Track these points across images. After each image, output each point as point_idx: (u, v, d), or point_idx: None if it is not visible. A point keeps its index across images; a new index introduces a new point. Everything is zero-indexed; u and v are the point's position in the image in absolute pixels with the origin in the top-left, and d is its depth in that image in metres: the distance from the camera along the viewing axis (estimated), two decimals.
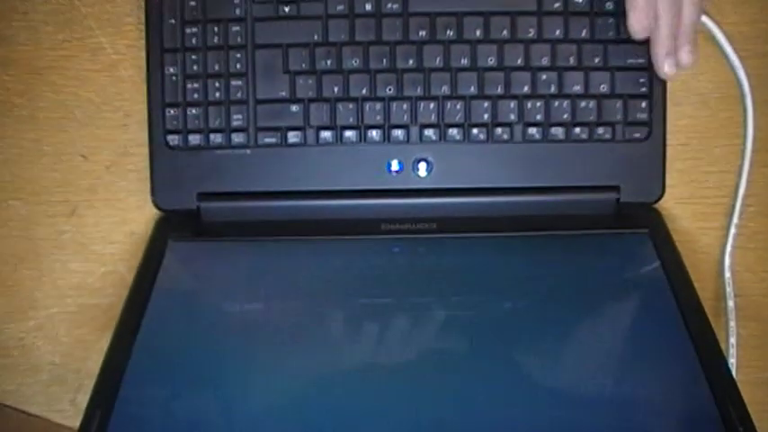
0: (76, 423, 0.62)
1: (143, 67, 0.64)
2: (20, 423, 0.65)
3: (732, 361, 0.63)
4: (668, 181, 0.64)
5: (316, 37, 0.63)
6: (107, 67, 0.66)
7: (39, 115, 0.66)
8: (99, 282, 0.66)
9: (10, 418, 0.65)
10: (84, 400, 0.63)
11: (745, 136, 0.66)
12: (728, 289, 0.65)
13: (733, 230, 0.66)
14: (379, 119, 0.63)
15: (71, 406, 0.65)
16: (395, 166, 0.63)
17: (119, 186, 0.66)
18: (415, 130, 0.63)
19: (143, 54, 0.64)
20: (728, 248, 0.65)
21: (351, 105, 0.63)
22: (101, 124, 0.66)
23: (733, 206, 0.66)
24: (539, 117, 0.63)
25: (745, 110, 0.66)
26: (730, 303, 0.64)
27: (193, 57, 0.63)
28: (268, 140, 0.63)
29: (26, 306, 0.66)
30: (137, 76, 0.66)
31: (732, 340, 0.64)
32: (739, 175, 0.66)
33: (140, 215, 0.66)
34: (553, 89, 0.63)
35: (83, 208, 0.66)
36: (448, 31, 0.62)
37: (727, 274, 0.65)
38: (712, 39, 0.66)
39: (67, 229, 0.66)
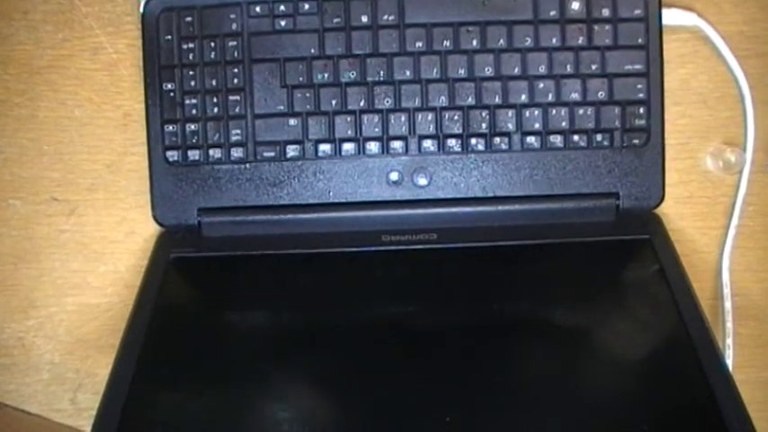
0: (76, 422, 0.64)
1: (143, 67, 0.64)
2: (20, 422, 0.65)
3: (729, 361, 0.64)
4: (668, 180, 0.64)
5: (312, 50, 0.63)
6: (107, 66, 0.67)
7: (39, 114, 0.66)
8: (99, 281, 0.66)
9: (10, 418, 0.65)
10: (83, 399, 0.64)
11: (744, 135, 0.66)
12: (726, 290, 0.65)
13: (732, 231, 0.66)
14: (377, 131, 0.63)
15: (71, 405, 0.66)
16: (394, 177, 0.64)
17: (119, 186, 0.67)
18: (413, 142, 0.63)
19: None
20: (727, 249, 0.66)
21: (349, 118, 0.63)
22: (101, 123, 0.67)
23: (733, 206, 0.66)
24: (537, 126, 0.63)
25: (744, 109, 0.66)
26: (727, 304, 0.65)
27: (191, 72, 0.63)
28: (267, 154, 0.63)
29: (26, 305, 0.66)
30: (137, 75, 0.66)
31: (729, 341, 0.64)
32: (739, 175, 0.66)
33: (140, 214, 0.66)
34: (551, 97, 0.63)
35: (83, 207, 0.67)
36: (444, 42, 0.62)
37: (725, 276, 0.65)
38: (712, 38, 0.65)
39: (67, 228, 0.66)
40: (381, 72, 0.63)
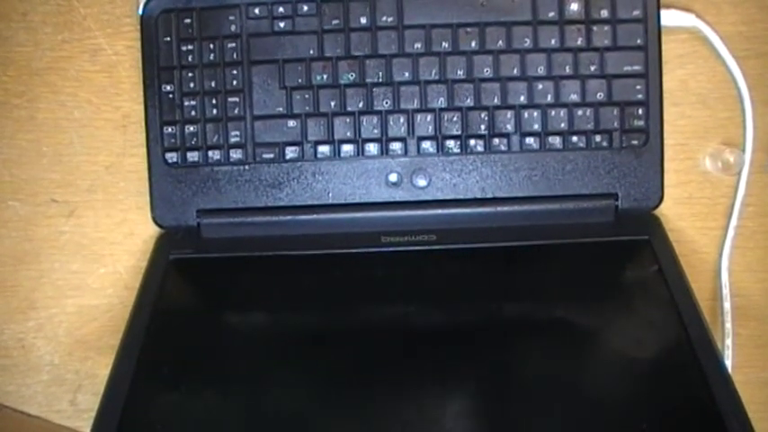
0: (76, 423, 0.64)
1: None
2: (19, 423, 0.65)
3: (728, 362, 0.64)
4: (667, 181, 0.64)
5: (311, 51, 0.63)
6: (106, 68, 0.67)
7: (38, 116, 0.66)
8: (98, 282, 0.66)
9: (10, 419, 0.65)
10: (83, 400, 0.65)
11: (743, 136, 0.66)
12: (725, 291, 0.65)
13: (732, 232, 0.66)
14: (376, 132, 0.63)
15: (70, 406, 0.66)
16: (393, 178, 0.64)
17: (118, 187, 0.67)
18: (412, 143, 0.63)
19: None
20: (726, 250, 0.66)
21: (348, 119, 0.63)
22: (100, 125, 0.67)
23: (732, 206, 0.66)
24: (536, 127, 0.63)
25: (743, 110, 0.66)
26: (726, 305, 0.65)
27: (190, 74, 0.63)
28: (266, 156, 0.63)
29: (26, 306, 0.66)
30: (136, 76, 0.66)
31: (728, 341, 0.64)
32: (738, 175, 0.66)
33: (139, 215, 0.66)
34: (550, 98, 0.63)
35: (82, 208, 0.67)
36: (443, 43, 0.62)
37: (725, 276, 0.65)
38: (711, 39, 0.65)
39: (67, 229, 0.66)
40: (380, 73, 0.63)
